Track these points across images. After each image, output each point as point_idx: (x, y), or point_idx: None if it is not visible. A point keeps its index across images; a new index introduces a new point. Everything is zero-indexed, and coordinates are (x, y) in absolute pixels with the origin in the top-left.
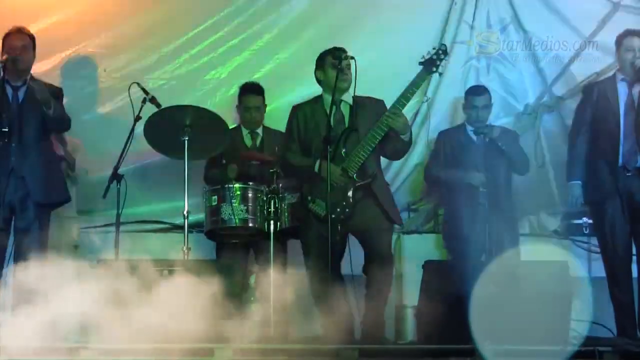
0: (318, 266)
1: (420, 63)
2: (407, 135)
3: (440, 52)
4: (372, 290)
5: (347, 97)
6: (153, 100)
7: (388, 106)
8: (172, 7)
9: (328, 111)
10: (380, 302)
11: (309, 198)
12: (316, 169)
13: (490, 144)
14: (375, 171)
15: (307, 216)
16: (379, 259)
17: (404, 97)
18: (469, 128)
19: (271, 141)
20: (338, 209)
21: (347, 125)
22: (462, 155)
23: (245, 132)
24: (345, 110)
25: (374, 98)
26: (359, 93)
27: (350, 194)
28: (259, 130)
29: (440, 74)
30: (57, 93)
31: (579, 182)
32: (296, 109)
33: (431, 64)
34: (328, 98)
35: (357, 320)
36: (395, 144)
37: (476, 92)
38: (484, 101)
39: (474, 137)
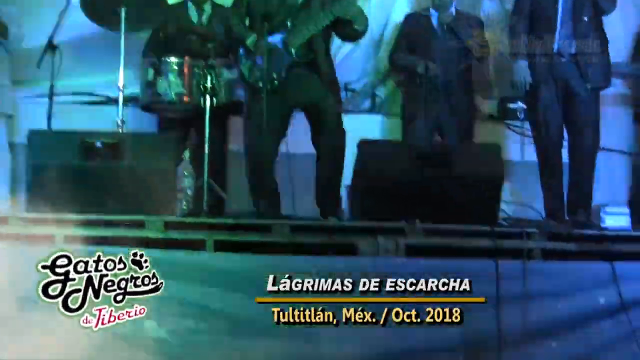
0: (253, 139)
1: None
2: (362, 26)
3: None
4: (324, 162)
5: None
6: None
7: None
8: None
9: None
10: (336, 175)
11: (243, 61)
12: (249, 43)
13: (450, 32)
14: (318, 50)
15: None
16: (330, 131)
17: None
18: (433, 13)
19: (217, 18)
20: (267, 79)
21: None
22: (423, 42)
23: (191, 6)
24: None
25: None
26: None
27: (285, 67)
28: (207, 7)
29: None
30: None
31: (525, 61)
32: None
33: None
34: None
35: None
36: (346, 30)
37: None
38: None
39: (436, 24)
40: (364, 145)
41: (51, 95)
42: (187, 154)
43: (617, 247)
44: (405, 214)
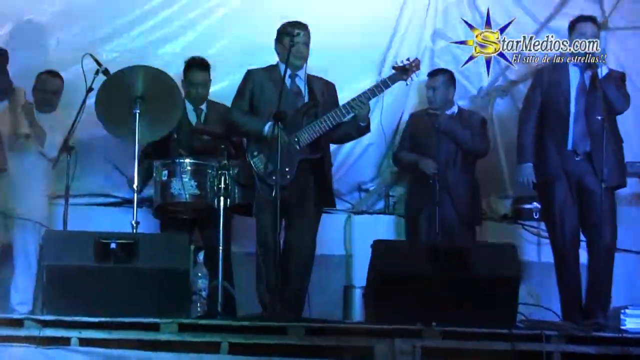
0: (262, 236)
1: (394, 68)
2: (365, 122)
3: (414, 65)
4: (290, 275)
5: (301, 73)
6: (106, 72)
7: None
8: None
9: (284, 83)
10: (302, 286)
11: (254, 153)
12: (265, 132)
13: (449, 131)
14: (326, 149)
15: (252, 177)
16: (302, 248)
17: (371, 92)
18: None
19: (215, 116)
20: (281, 175)
21: (306, 98)
22: (422, 138)
23: (189, 107)
24: (300, 84)
25: (325, 79)
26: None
27: (295, 163)
28: (203, 106)
29: (407, 85)
30: None
31: (530, 164)
32: (252, 73)
33: (403, 73)
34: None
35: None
36: (350, 129)
37: (430, 73)
38: (434, 83)
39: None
40: (379, 246)
41: (67, 196)
42: (201, 256)
43: (638, 351)
44: (422, 316)
